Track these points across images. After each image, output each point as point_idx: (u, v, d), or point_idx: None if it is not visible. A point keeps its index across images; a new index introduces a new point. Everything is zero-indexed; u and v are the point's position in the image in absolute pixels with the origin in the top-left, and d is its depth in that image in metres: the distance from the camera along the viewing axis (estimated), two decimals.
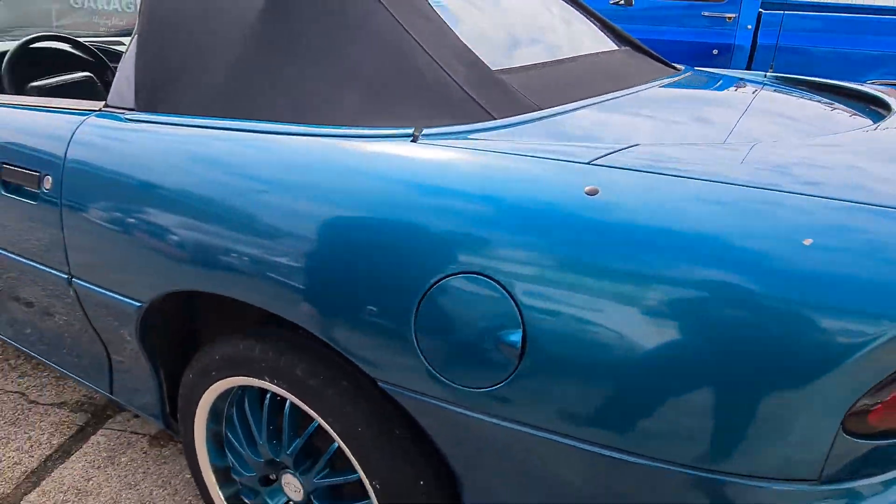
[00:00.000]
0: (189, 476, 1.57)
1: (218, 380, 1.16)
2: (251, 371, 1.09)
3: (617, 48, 1.76)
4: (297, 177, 0.96)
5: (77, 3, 5.34)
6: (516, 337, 0.78)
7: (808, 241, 0.69)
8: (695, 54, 4.22)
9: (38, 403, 1.83)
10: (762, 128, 1.18)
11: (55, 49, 2.22)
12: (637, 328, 0.73)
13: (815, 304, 0.67)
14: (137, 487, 1.55)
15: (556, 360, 0.77)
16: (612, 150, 0.88)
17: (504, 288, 0.78)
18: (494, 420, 0.84)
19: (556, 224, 0.78)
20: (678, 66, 1.84)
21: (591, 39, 1.71)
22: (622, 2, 4.32)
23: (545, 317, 0.77)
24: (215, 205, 1.01)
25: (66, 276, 1.28)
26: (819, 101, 1.47)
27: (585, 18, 1.83)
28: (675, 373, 0.72)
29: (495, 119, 1.01)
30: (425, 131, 0.97)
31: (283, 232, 0.94)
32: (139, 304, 1.16)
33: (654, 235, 0.74)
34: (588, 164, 0.84)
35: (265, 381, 1.08)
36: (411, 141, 0.96)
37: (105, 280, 1.20)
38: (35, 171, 1.27)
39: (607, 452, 0.78)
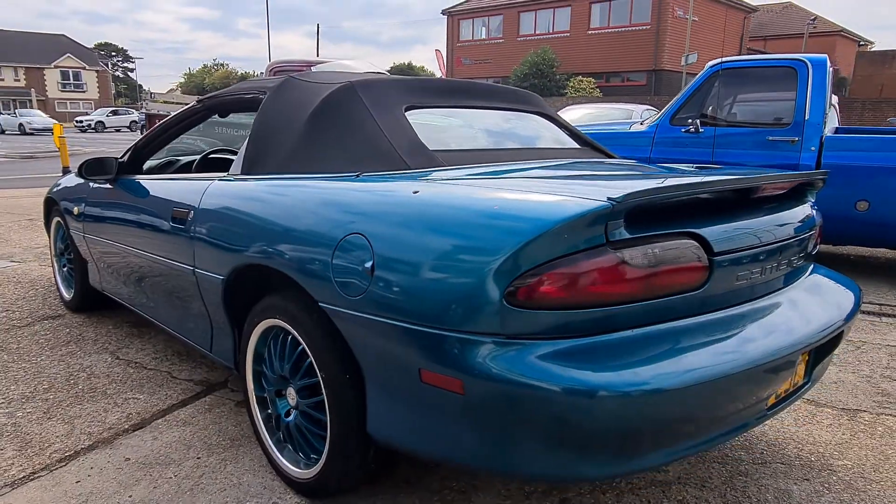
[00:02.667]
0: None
1: (257, 324, 1.95)
2: (272, 313, 1.88)
3: (577, 147, 2.48)
4: (298, 196, 1.79)
5: None
6: (369, 264, 1.50)
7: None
8: None
9: (176, 378, 2.75)
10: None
11: (226, 158, 3.39)
12: (403, 260, 1.42)
13: (481, 240, 1.33)
14: (220, 425, 2.34)
15: (388, 278, 1.47)
16: (442, 176, 1.62)
17: (367, 239, 1.52)
18: (366, 315, 1.53)
19: (396, 205, 1.52)
20: (622, 159, 2.49)
21: (551, 142, 2.45)
22: (692, 129, 4.93)
23: (384, 254, 1.49)
24: (261, 216, 1.87)
25: (191, 269, 2.19)
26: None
27: (558, 130, 2.58)
28: (428, 278, 1.39)
29: (410, 168, 1.79)
30: (364, 174, 1.78)
31: (282, 223, 1.77)
32: (222, 277, 2.02)
33: (435, 210, 1.45)
34: (427, 180, 1.58)
35: (277, 318, 1.85)
36: (356, 177, 1.76)
37: (209, 266, 2.10)
38: (186, 210, 2.24)
39: (405, 325, 1.43)
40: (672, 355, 1.37)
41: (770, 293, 1.72)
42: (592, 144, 2.56)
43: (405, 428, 1.56)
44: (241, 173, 2.16)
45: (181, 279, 2.31)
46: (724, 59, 5.06)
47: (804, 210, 1.90)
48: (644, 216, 1.41)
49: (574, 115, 9.25)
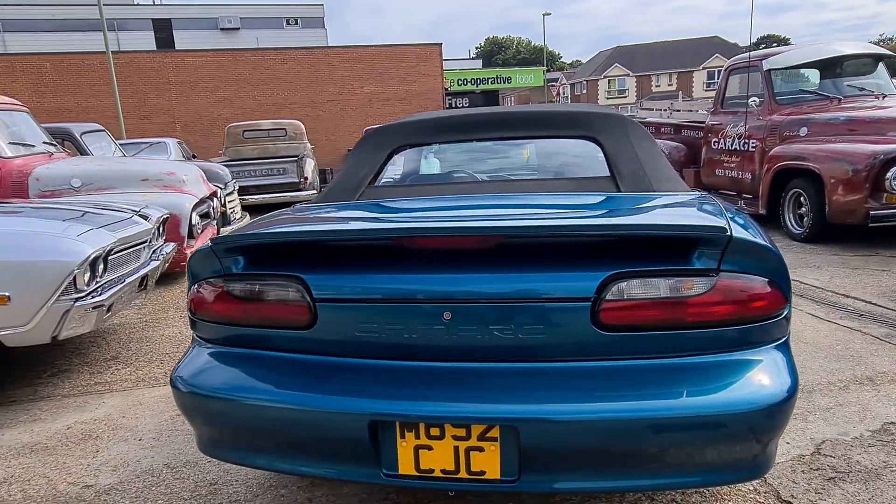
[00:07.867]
0: None
1: None
2: None
3: (599, 177, 2.21)
4: None
5: None
6: None
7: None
8: None
9: None
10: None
11: None
12: None
13: None
14: None
15: None
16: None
17: None
18: None
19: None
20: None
21: (573, 171, 2.32)
22: None
23: None
24: None
25: None
26: None
27: (600, 159, 2.31)
28: None
29: (329, 201, 2.30)
30: (311, 203, 2.39)
31: None
32: None
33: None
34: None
35: None
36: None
37: None
38: None
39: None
40: (240, 373, 1.61)
41: (493, 360, 1.52)
42: (636, 177, 2.11)
43: None
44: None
45: None
46: None
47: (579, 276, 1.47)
48: (263, 256, 1.65)
49: None
